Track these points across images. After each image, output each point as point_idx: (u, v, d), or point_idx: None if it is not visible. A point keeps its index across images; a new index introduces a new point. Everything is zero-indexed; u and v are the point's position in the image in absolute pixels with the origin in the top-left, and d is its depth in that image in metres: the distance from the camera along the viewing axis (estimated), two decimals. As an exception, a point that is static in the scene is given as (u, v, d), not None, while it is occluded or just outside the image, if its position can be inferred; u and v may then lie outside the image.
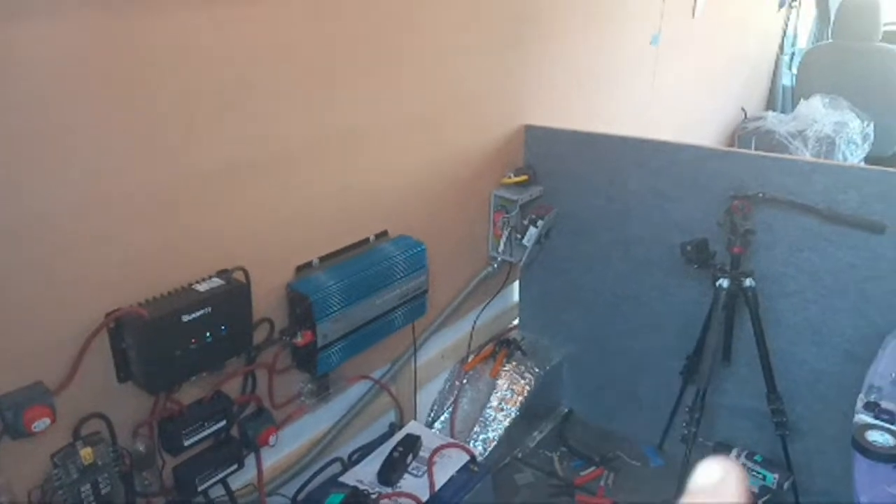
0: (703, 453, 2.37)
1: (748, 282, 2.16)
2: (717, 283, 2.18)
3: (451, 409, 2.67)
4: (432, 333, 2.49)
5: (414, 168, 2.24)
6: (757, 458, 2.18)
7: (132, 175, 1.49)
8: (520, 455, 2.75)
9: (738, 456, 2.23)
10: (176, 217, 1.59)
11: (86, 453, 1.47)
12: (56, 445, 1.46)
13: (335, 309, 1.89)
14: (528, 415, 2.77)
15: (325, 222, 1.98)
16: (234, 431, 1.82)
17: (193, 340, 1.56)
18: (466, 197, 2.50)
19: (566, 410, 2.98)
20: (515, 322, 3.03)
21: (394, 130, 2.12)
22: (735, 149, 3.04)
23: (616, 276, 2.61)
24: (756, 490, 2.20)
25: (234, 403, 1.79)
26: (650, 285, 2.53)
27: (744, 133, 4.54)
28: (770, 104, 5.18)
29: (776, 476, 2.13)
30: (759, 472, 2.16)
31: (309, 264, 1.93)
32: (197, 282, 1.63)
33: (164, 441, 1.66)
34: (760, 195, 2.13)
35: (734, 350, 2.34)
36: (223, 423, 1.75)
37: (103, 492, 1.51)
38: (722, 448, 2.28)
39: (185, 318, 1.53)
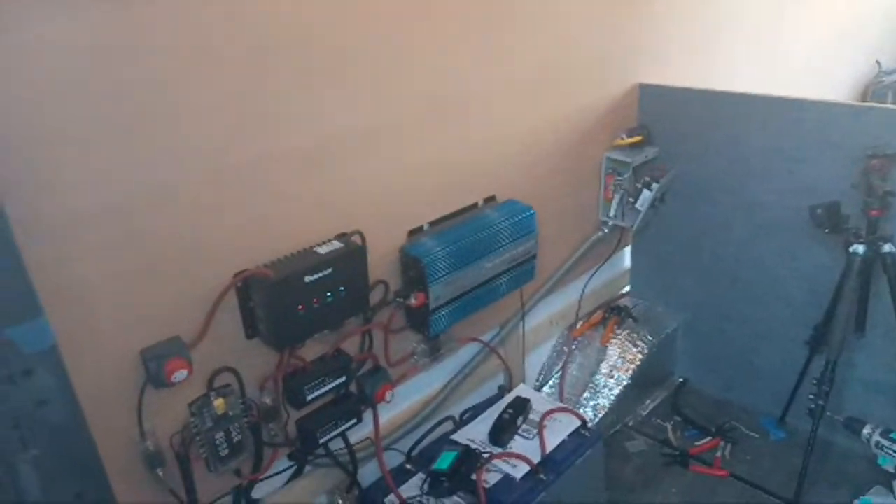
0: (832, 428, 2.27)
1: (887, 247, 2.01)
2: (851, 249, 2.04)
3: (559, 375, 2.66)
4: (541, 299, 2.48)
5: (522, 132, 2.22)
6: (893, 435, 2.04)
7: (258, 145, 1.56)
8: (631, 423, 2.71)
9: (871, 432, 2.08)
10: (298, 183, 1.66)
11: (219, 404, 1.58)
12: (192, 396, 1.57)
13: (446, 272, 1.92)
14: (640, 383, 2.72)
15: (435, 187, 2.00)
16: (353, 388, 1.90)
17: (315, 300, 1.62)
18: (577, 160, 2.45)
19: (680, 380, 2.90)
20: (626, 289, 2.96)
21: (502, 95, 2.10)
22: (872, 104, 2.80)
23: (737, 241, 2.49)
24: (892, 469, 2.06)
25: (353, 361, 1.86)
26: (774, 251, 2.40)
27: (879, 87, 4.18)
28: (910, 56, 4.73)
29: (914, 455, 2.00)
30: (895, 451, 2.02)
31: (420, 229, 1.96)
32: (318, 245, 1.69)
33: (288, 395, 1.75)
34: (903, 153, 1.96)
35: (868, 320, 2.18)
36: (343, 379, 1.82)
37: (235, 440, 1.62)
38: (854, 423, 2.14)
39: (308, 278, 1.60)
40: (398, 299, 1.91)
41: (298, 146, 1.63)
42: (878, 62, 4.33)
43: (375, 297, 1.88)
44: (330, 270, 1.63)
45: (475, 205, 2.11)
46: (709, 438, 2.58)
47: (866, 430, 2.11)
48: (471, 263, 1.98)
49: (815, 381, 2.15)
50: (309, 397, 1.75)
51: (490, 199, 2.15)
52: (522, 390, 2.39)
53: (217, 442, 1.59)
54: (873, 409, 2.30)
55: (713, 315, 2.68)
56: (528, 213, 2.13)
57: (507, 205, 2.16)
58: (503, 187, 2.19)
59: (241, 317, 1.62)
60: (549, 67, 2.22)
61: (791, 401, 2.52)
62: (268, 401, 1.71)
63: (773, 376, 2.56)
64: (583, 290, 2.68)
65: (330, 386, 1.79)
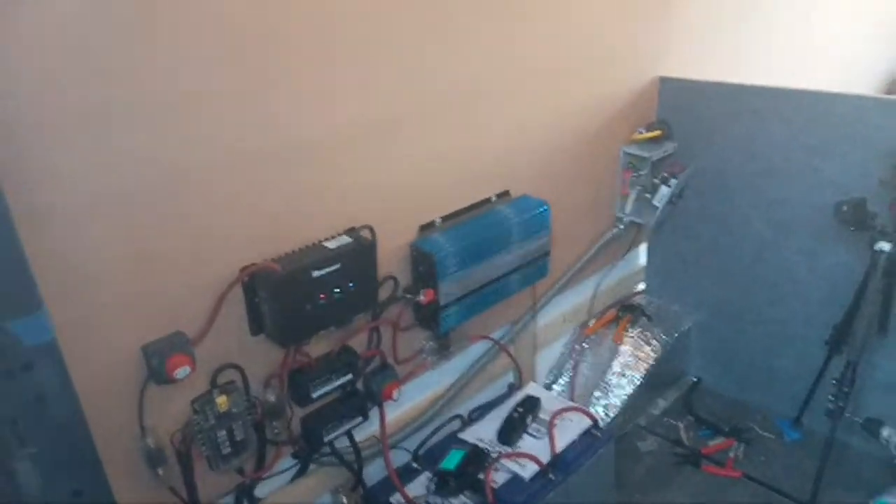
0: (849, 430, 2.21)
1: (913, 246, 1.94)
2: (877, 247, 1.97)
3: (570, 373, 2.61)
4: (553, 296, 2.42)
5: (537, 125, 2.16)
6: (914, 437, 2.00)
7: (268, 134, 1.51)
8: (643, 423, 2.66)
9: (891, 433, 2.03)
10: (307, 175, 1.61)
11: (222, 401, 1.54)
12: (195, 393, 1.53)
13: (457, 268, 1.87)
14: (653, 383, 2.67)
15: (447, 182, 1.95)
16: (360, 385, 1.85)
17: (322, 296, 1.58)
18: (593, 154, 2.39)
19: (694, 380, 2.84)
20: (641, 287, 2.90)
21: (517, 87, 2.04)
22: (900, 98, 2.72)
23: (756, 239, 2.42)
24: (911, 473, 2.02)
25: (360, 358, 1.81)
26: (795, 249, 2.33)
27: (905, 81, 4.08)
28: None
29: (936, 459, 1.94)
30: (917, 454, 1.98)
31: (431, 224, 1.91)
32: (326, 239, 1.64)
33: (293, 392, 1.71)
34: (933, 149, 1.89)
35: (890, 320, 2.12)
36: (349, 376, 1.77)
37: (237, 438, 1.58)
38: (873, 424, 2.08)
39: (316, 273, 1.55)
40: (408, 295, 1.87)
41: (310, 137, 1.58)
42: (902, 56, 4.23)
43: (384, 292, 1.84)
44: (338, 265, 1.59)
45: (488, 200, 2.06)
46: (722, 438, 2.53)
47: (885, 432, 2.07)
48: (483, 260, 1.93)
49: (834, 382, 2.09)
50: (314, 395, 1.71)
51: (504, 195, 2.10)
52: (532, 389, 2.35)
53: (219, 440, 1.55)
54: (892, 411, 2.23)
55: (729, 314, 2.63)
56: (542, 209, 2.08)
57: (520, 200, 2.10)
58: (517, 182, 2.13)
59: (246, 312, 1.58)
60: (567, 59, 2.16)
61: (808, 401, 2.46)
62: (272, 398, 1.67)
63: (789, 377, 2.51)
64: (596, 288, 2.62)
65: (336, 383, 1.75)
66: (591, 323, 2.68)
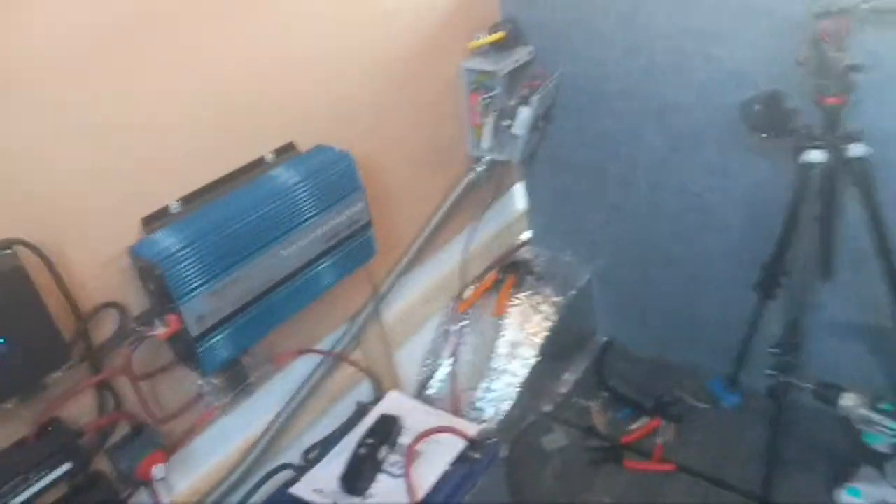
0: (800, 399, 1.71)
1: (855, 149, 1.41)
2: (804, 159, 1.44)
3: (452, 362, 2.04)
4: (403, 274, 1.84)
5: (334, 41, 1.53)
6: (885, 406, 1.48)
7: None
8: (547, 409, 2.13)
9: (853, 404, 1.52)
10: None
11: None
12: None
13: (209, 276, 1.24)
14: (555, 354, 2.14)
15: (185, 141, 1.30)
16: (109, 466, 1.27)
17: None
18: (424, 77, 1.78)
19: (604, 341, 2.32)
20: (526, 236, 2.33)
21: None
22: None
23: (651, 159, 1.89)
24: (886, 450, 1.51)
25: (82, 432, 1.21)
26: (700, 168, 1.81)
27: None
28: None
29: (915, 428, 1.45)
30: (890, 429, 1.47)
31: (164, 211, 1.27)
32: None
33: (-34, 518, 1.09)
34: (863, 6, 1.35)
35: (835, 259, 1.60)
36: (68, 464, 1.18)
37: None
38: (828, 391, 1.56)
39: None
40: (139, 328, 1.23)
41: None
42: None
43: (106, 329, 1.21)
44: (-44, 318, 0.95)
45: (261, 160, 1.42)
46: (646, 419, 2.03)
47: (845, 402, 1.55)
48: (253, 254, 1.31)
49: (774, 351, 1.57)
50: (9, 509, 1.09)
51: (285, 149, 1.46)
52: (392, 402, 1.78)
53: None
54: (847, 364, 1.77)
55: (633, 258, 2.12)
56: (343, 164, 1.45)
57: (312, 154, 1.48)
58: (308, 129, 1.51)
59: None
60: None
61: (743, 356, 1.98)
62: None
63: (716, 327, 2.03)
64: (464, 250, 2.05)
65: (45, 481, 1.16)
66: (467, 294, 2.11)
